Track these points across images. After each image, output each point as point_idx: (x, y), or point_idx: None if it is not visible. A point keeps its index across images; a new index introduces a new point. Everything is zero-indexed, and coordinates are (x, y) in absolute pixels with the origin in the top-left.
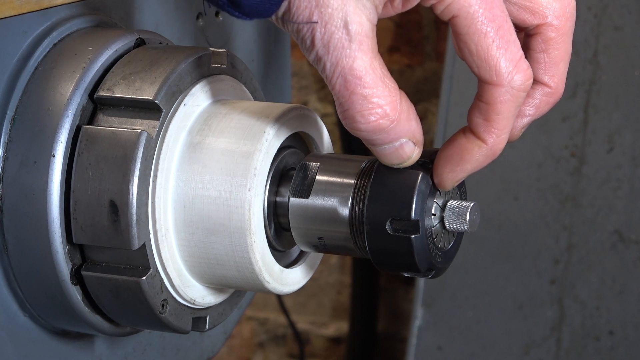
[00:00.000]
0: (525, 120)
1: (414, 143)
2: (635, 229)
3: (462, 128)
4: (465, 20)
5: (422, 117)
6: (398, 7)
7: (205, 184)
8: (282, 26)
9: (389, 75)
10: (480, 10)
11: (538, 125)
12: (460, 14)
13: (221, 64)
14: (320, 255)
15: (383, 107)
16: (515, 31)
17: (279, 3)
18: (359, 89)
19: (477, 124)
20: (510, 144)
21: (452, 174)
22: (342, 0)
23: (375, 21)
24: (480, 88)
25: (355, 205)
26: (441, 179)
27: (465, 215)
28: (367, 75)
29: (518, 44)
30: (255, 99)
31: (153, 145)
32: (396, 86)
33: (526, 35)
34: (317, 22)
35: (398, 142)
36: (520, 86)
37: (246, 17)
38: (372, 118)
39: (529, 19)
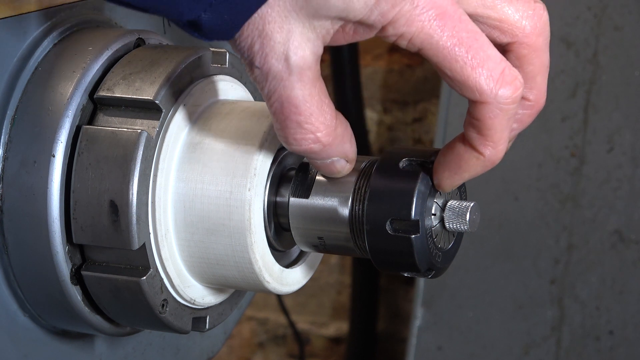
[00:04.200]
0: (511, 135)
1: (346, 161)
2: (635, 229)
3: (461, 135)
4: (430, 51)
5: (422, 117)
6: (348, 35)
7: (205, 184)
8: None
9: (327, 101)
10: (444, 37)
11: (538, 125)
12: (424, 46)
13: (221, 64)
14: (320, 255)
15: (316, 134)
16: None
17: (238, 27)
18: (293, 116)
19: (472, 138)
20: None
21: (450, 180)
22: (286, 34)
23: (320, 51)
24: (469, 105)
25: (355, 205)
26: (440, 183)
27: (465, 215)
28: (303, 105)
29: (497, 57)
30: (256, 99)
31: (153, 145)
32: (333, 113)
33: (500, 51)
34: (257, 51)
35: (329, 160)
36: (507, 99)
37: (205, 39)
38: (304, 142)
39: (500, 38)
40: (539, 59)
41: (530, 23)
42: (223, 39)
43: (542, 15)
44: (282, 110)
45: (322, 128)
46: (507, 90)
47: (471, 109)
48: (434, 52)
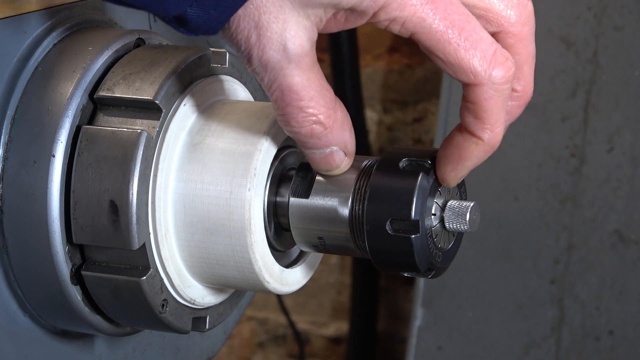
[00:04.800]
0: None
1: (345, 153)
2: (635, 229)
3: (458, 126)
4: (423, 34)
5: (422, 117)
6: (340, 22)
7: (205, 184)
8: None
9: (326, 85)
10: (436, 21)
11: (538, 125)
12: (417, 30)
13: (221, 64)
14: (320, 255)
15: (317, 115)
16: None
17: (224, 21)
18: (295, 102)
19: (469, 123)
20: (510, 144)
21: (454, 172)
22: (282, 24)
23: (315, 37)
24: (463, 89)
25: (355, 205)
26: (444, 177)
27: (465, 215)
28: (303, 90)
29: (489, 39)
30: (256, 99)
31: (153, 145)
32: (333, 96)
33: None
34: (254, 43)
35: (329, 150)
36: (501, 80)
37: (191, 34)
38: (306, 124)
39: (486, 27)
40: (525, 49)
41: (515, 12)
42: (209, 34)
43: (526, 5)
44: (284, 98)
45: (323, 110)
46: (500, 71)
47: (466, 93)
48: (426, 36)
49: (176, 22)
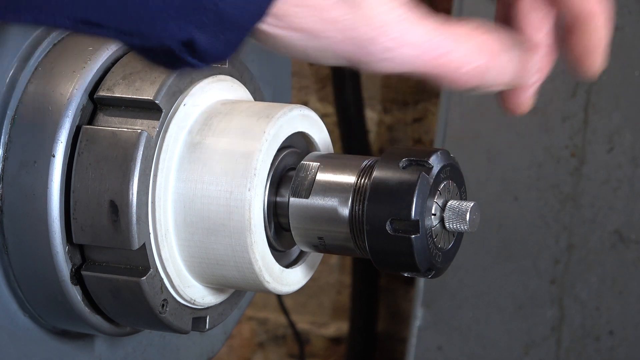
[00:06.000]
0: (533, 89)
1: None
2: (635, 229)
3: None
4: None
5: (422, 117)
6: None
7: (205, 184)
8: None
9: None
10: (432, 60)
11: (538, 125)
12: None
13: (221, 64)
14: (320, 255)
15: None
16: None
17: (236, 46)
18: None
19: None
20: (510, 144)
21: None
22: None
23: None
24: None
25: (355, 205)
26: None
27: (465, 215)
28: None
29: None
30: (255, 99)
31: (153, 145)
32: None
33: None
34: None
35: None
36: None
37: (201, 63)
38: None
39: None
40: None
41: None
42: (218, 61)
43: None
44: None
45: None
46: None
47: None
48: (424, 71)
49: (187, 51)
